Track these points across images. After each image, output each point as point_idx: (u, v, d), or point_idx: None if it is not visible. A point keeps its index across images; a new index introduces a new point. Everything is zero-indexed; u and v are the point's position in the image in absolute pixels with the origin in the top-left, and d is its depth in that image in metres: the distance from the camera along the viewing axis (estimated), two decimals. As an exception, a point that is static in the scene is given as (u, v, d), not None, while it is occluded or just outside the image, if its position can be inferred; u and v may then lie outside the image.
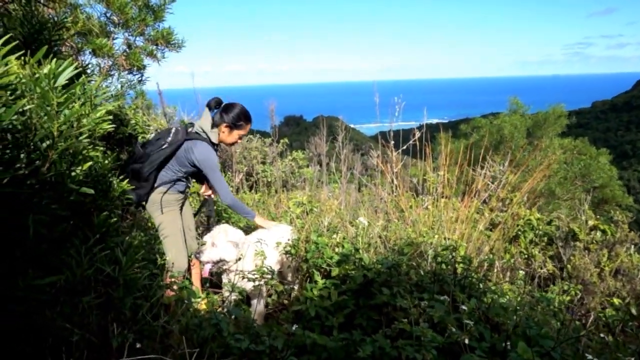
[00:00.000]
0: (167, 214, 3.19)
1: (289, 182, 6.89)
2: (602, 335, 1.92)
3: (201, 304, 2.58)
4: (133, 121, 5.47)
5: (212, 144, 3.19)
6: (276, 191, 5.80)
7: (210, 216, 3.47)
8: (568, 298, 3.80)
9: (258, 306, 2.98)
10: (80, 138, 1.59)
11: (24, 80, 1.23)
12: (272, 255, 3.15)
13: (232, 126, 3.21)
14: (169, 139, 3.14)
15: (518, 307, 2.13)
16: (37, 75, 1.24)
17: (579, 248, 4.49)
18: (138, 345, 1.83)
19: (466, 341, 1.69)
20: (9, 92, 1.27)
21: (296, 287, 3.24)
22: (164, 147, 3.11)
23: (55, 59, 1.24)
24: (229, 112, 3.20)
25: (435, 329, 2.06)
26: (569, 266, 4.36)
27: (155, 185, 3.17)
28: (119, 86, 4.66)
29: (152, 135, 5.74)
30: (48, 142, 1.29)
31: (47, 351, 1.45)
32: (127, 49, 4.93)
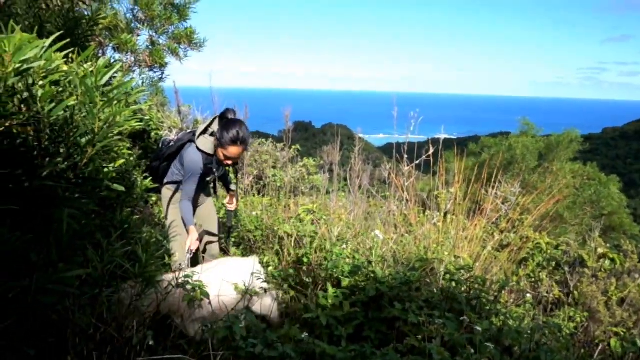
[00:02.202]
0: (174, 211, 3.25)
1: (298, 189, 6.90)
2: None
3: None
4: (147, 117, 5.52)
5: (201, 151, 3.04)
6: (285, 195, 5.82)
7: (230, 227, 3.54)
8: (573, 325, 3.78)
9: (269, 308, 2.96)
10: (111, 135, 1.63)
11: (70, 78, 1.26)
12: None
13: (218, 143, 3.00)
14: (177, 137, 3.17)
15: (529, 332, 2.12)
16: (83, 73, 1.27)
17: (587, 275, 4.46)
18: (151, 342, 1.85)
19: (485, 364, 1.69)
20: (54, 88, 1.30)
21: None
22: (170, 144, 3.17)
23: (102, 58, 1.27)
24: (223, 128, 2.96)
25: (445, 346, 2.06)
26: (575, 292, 4.33)
27: (165, 181, 3.24)
28: (140, 82, 4.73)
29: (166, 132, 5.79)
30: (87, 139, 1.32)
31: (69, 344, 1.46)
32: (150, 46, 5.00)
